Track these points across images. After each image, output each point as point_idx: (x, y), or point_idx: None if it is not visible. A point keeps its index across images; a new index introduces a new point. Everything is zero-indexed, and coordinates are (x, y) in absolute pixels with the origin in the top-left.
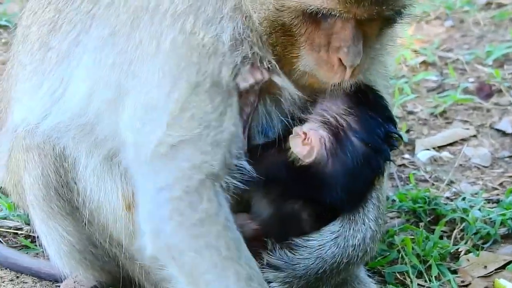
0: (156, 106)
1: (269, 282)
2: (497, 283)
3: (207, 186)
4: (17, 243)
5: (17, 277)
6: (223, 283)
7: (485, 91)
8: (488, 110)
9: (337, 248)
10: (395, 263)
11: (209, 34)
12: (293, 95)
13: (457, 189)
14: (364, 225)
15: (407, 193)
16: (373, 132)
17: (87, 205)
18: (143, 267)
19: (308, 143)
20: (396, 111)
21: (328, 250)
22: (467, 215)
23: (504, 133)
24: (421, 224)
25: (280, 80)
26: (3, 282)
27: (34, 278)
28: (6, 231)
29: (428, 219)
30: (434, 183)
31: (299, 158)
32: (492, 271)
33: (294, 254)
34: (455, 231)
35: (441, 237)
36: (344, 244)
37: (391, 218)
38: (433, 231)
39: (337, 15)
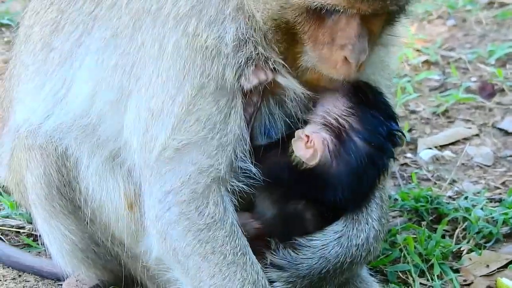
0: (161, 109)
1: (272, 282)
2: (499, 282)
3: (213, 190)
4: (19, 242)
5: (19, 275)
6: None
7: (488, 90)
8: (490, 109)
9: (340, 247)
10: (397, 262)
11: (212, 36)
12: (297, 95)
13: (459, 188)
14: (367, 224)
15: (409, 192)
16: (375, 131)
17: (89, 204)
18: (145, 266)
19: (311, 146)
20: (398, 110)
21: (332, 249)
22: (469, 214)
23: (506, 132)
24: (423, 223)
25: (284, 80)
26: (5, 280)
27: (36, 276)
28: (9, 230)
29: (430, 218)
30: (436, 182)
31: (303, 162)
32: (494, 270)
33: (298, 254)
34: (457, 230)
35: (443, 236)
36: (348, 243)
37: (393, 217)
38: (435, 230)
39: (341, 11)
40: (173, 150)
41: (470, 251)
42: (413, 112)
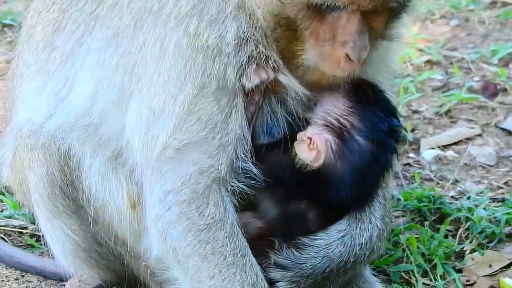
0: (162, 109)
1: (276, 282)
2: (502, 282)
3: (213, 191)
4: (22, 242)
5: (22, 276)
6: None
7: (490, 90)
8: (493, 109)
9: (344, 247)
10: (400, 262)
11: (213, 35)
12: (298, 93)
13: (462, 188)
14: (370, 223)
15: (412, 192)
16: (377, 128)
17: (92, 204)
18: (147, 266)
19: (314, 147)
20: (401, 110)
21: (335, 249)
22: (472, 214)
23: (509, 132)
24: (426, 223)
25: (286, 78)
26: (8, 281)
27: (39, 277)
28: (11, 230)
29: (433, 218)
30: (439, 182)
31: (307, 164)
32: (497, 270)
33: (301, 254)
34: (460, 230)
35: (446, 236)
36: (351, 243)
37: (396, 217)
38: (438, 230)
39: (342, 7)
40: (174, 149)
41: (473, 251)
42: (415, 112)
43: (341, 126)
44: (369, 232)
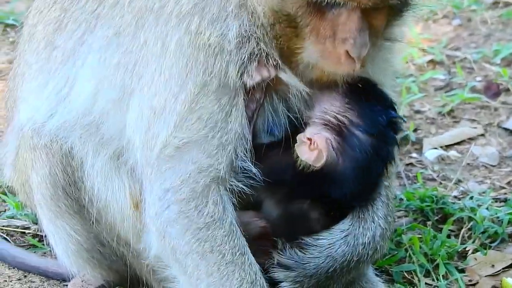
0: (163, 107)
1: (280, 282)
2: (505, 282)
3: (212, 190)
4: (24, 242)
5: (25, 276)
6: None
7: (493, 90)
8: (495, 109)
9: (347, 246)
10: (403, 262)
11: (215, 33)
12: (300, 91)
13: (465, 188)
14: (373, 223)
15: (414, 192)
16: (375, 122)
17: (94, 204)
18: (149, 265)
19: (315, 147)
20: (403, 110)
21: (338, 248)
22: (475, 214)
23: (511, 132)
24: (429, 223)
25: (287, 76)
26: (11, 281)
27: (41, 277)
28: (14, 230)
29: (436, 218)
30: (442, 182)
31: (309, 165)
32: (500, 270)
33: (305, 253)
34: (462, 230)
35: (448, 236)
36: (354, 242)
37: (399, 217)
38: (440, 230)
39: (342, 4)
40: (174, 148)
41: (475, 251)
42: (418, 112)
43: (340, 123)
44: (372, 231)
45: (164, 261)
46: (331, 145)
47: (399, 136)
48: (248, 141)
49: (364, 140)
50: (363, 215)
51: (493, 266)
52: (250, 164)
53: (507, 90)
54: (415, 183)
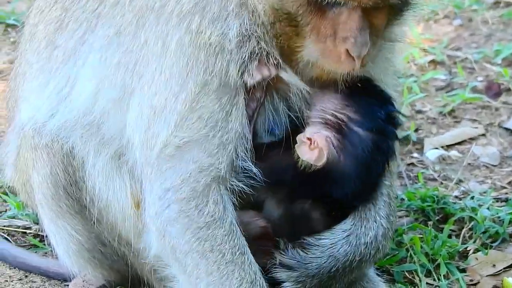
0: (163, 107)
1: (282, 282)
2: (506, 281)
3: (213, 189)
4: (25, 242)
5: (26, 276)
6: (225, 287)
7: (494, 90)
8: (496, 109)
9: (349, 246)
10: (404, 262)
11: (216, 33)
12: (300, 89)
13: (466, 188)
14: (375, 222)
15: (415, 192)
16: (374, 117)
17: (95, 203)
18: (149, 265)
19: (315, 146)
20: (404, 110)
21: (340, 248)
22: (476, 214)
23: None
24: (430, 223)
25: (287, 75)
26: (12, 281)
27: (42, 277)
28: (15, 230)
29: (437, 218)
30: (443, 182)
31: (311, 165)
32: (501, 270)
33: (307, 253)
34: (463, 230)
35: (449, 236)
36: (356, 242)
37: (400, 217)
38: (441, 230)
39: (343, 3)
40: (174, 147)
41: (476, 250)
42: (419, 112)
43: (339, 121)
44: (374, 231)
45: (164, 260)
46: (331, 143)
47: (398, 131)
48: (249, 140)
49: (364, 136)
50: (365, 214)
51: (494, 266)
52: (251, 164)
53: (508, 90)
54: (416, 183)
